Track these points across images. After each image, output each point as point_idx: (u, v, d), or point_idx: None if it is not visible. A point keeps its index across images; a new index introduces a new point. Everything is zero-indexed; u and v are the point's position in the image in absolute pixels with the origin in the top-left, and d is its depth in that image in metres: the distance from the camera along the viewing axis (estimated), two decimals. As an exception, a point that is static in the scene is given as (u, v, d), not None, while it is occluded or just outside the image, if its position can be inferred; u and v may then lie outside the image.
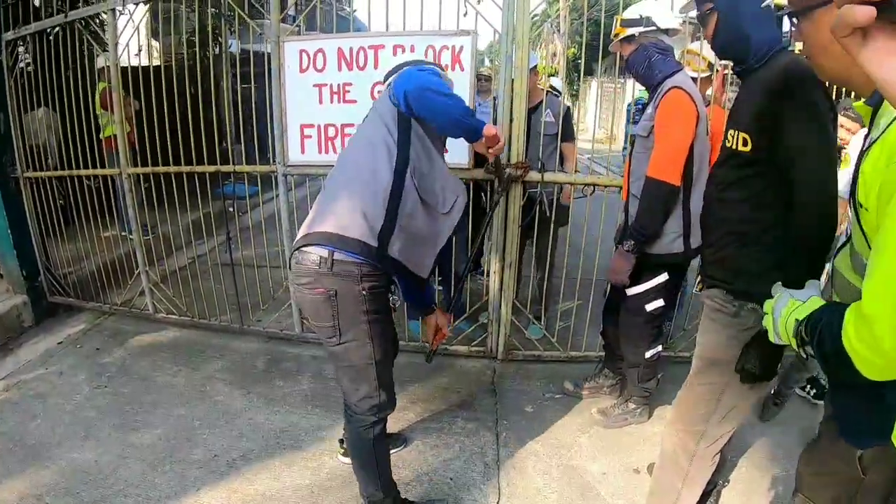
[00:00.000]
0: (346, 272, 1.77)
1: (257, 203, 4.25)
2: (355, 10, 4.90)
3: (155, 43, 5.01)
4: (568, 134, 3.54)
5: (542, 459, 2.65)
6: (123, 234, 4.38)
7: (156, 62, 4.32)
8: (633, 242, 2.41)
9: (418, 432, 2.81)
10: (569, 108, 3.65)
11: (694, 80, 3.00)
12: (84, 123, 3.67)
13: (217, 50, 4.81)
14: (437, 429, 2.83)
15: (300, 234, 1.86)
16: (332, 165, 2.73)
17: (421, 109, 1.79)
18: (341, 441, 2.60)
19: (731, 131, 1.69)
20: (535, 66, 3.41)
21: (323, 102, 3.10)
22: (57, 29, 3.56)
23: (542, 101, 3.36)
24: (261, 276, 3.71)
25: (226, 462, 2.61)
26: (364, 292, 1.81)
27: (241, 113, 3.40)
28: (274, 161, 3.27)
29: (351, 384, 1.97)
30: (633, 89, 3.45)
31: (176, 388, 3.21)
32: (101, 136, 4.19)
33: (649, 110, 2.45)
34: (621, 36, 2.52)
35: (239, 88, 3.63)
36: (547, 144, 3.40)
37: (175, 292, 3.93)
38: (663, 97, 2.33)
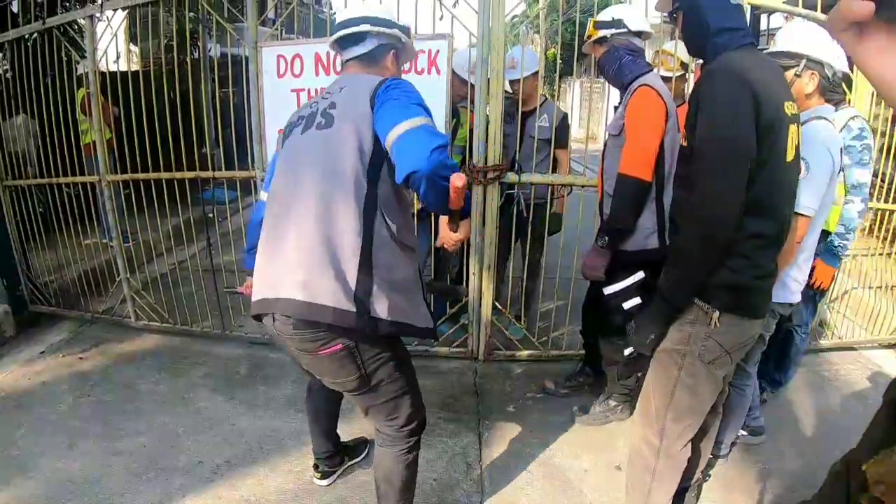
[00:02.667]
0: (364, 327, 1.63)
1: (238, 208, 4.24)
2: (334, 13, 4.91)
3: (134, 48, 4.99)
4: (562, 140, 3.54)
5: (525, 458, 2.69)
6: (104, 241, 4.36)
7: (134, 67, 4.30)
8: (606, 238, 2.43)
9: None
10: (565, 114, 3.66)
11: (668, 79, 3.07)
12: (64, 130, 3.65)
13: (196, 54, 4.81)
14: (361, 459, 2.75)
15: (264, 293, 1.67)
16: None
17: (428, 196, 1.53)
18: (316, 465, 2.51)
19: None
20: (537, 71, 3.41)
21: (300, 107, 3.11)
22: (35, 35, 3.54)
23: (537, 106, 3.39)
24: (242, 281, 3.69)
25: (210, 468, 2.62)
26: (383, 335, 1.69)
27: (219, 117, 3.40)
28: (253, 166, 3.27)
29: (387, 417, 1.89)
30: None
31: (159, 395, 3.21)
32: (81, 142, 4.16)
33: (620, 109, 2.49)
34: (594, 38, 2.56)
35: (218, 93, 3.63)
36: (540, 149, 3.39)
37: (156, 299, 3.93)
38: (632, 95, 2.37)
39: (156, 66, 3.95)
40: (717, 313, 1.69)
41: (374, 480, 2.04)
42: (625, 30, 2.49)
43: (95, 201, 3.96)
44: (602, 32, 2.51)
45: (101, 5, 3.26)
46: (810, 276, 2.62)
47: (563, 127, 3.50)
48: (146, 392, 3.24)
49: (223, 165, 3.44)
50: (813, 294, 2.79)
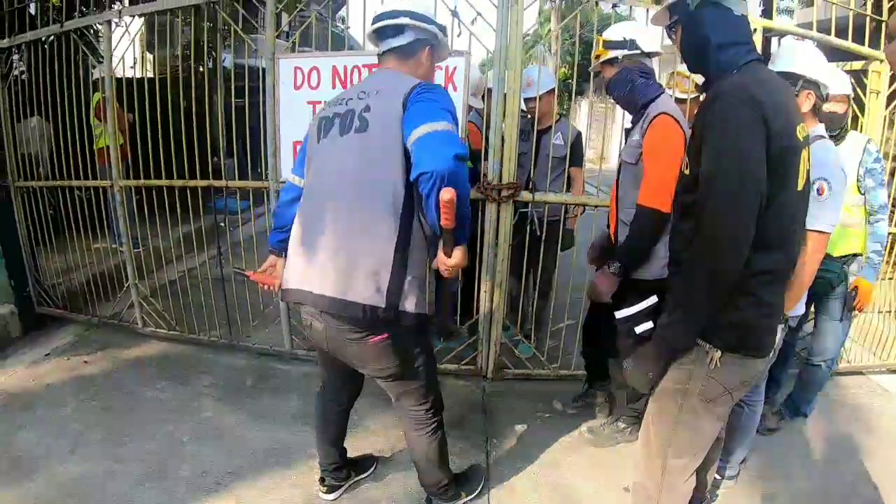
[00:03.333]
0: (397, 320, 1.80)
1: (249, 217, 4.24)
2: (348, 27, 4.94)
3: (149, 55, 5.03)
4: (577, 158, 3.53)
5: (533, 478, 2.67)
6: (114, 246, 4.36)
7: (149, 74, 4.33)
8: (619, 265, 2.38)
9: (408, 452, 2.80)
10: (580, 133, 3.67)
11: (682, 101, 3.08)
12: (77, 134, 3.67)
13: (211, 64, 4.83)
14: (368, 475, 2.74)
15: (311, 287, 1.80)
16: None
17: (430, 199, 1.64)
18: (322, 479, 2.49)
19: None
20: (553, 89, 3.41)
21: (317, 120, 3.12)
22: (52, 38, 3.56)
23: (552, 124, 3.40)
24: (251, 291, 3.70)
25: (214, 480, 2.59)
26: (415, 329, 1.87)
27: (234, 127, 3.40)
28: (266, 177, 3.28)
29: (415, 401, 2.09)
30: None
31: (164, 403, 3.19)
32: (94, 146, 4.17)
33: (636, 137, 2.40)
34: (603, 58, 2.48)
35: (233, 103, 3.65)
36: (555, 167, 3.38)
37: (164, 306, 3.91)
38: (651, 124, 2.29)
39: (171, 74, 3.96)
40: (718, 353, 1.60)
41: (413, 462, 2.31)
42: (637, 51, 2.42)
43: (106, 206, 3.96)
44: (613, 53, 2.44)
45: (120, 11, 3.29)
46: (853, 299, 2.66)
47: (577, 145, 3.51)
48: (151, 399, 3.22)
49: (236, 175, 3.45)
50: (844, 327, 2.80)
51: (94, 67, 3.75)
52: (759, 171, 1.44)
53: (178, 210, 3.53)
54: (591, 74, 2.88)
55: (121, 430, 2.92)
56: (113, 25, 3.34)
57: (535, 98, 3.24)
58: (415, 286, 1.79)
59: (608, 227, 2.67)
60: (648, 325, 2.49)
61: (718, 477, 2.53)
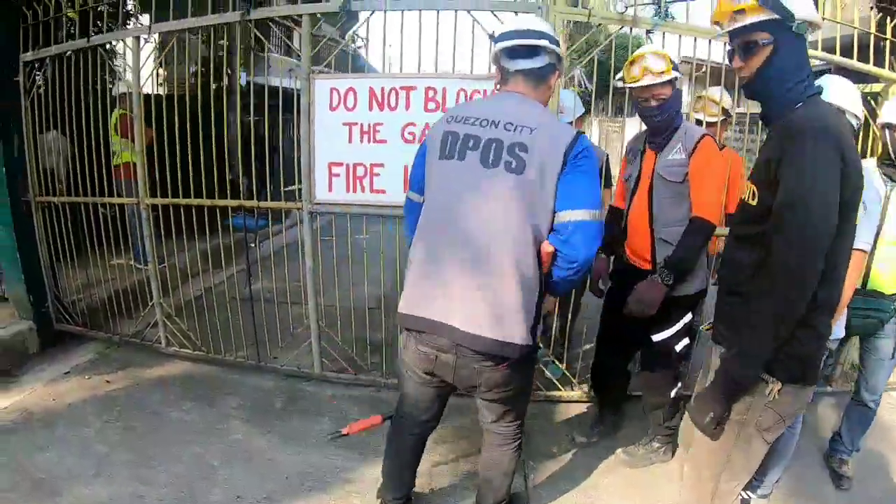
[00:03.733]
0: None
1: (273, 235, 4.21)
2: (361, 46, 4.90)
3: (162, 72, 4.99)
4: (606, 180, 3.54)
5: (573, 500, 2.66)
6: (132, 263, 4.32)
7: (163, 91, 4.32)
8: (671, 276, 2.45)
9: (447, 475, 2.79)
10: (607, 154, 3.70)
11: (711, 124, 3.19)
12: (95, 149, 3.63)
13: (229, 81, 4.80)
14: (466, 472, 2.80)
15: (449, 320, 1.80)
16: (361, 204, 3.03)
17: (563, 276, 1.80)
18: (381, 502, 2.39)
19: (748, 182, 1.65)
20: (583, 114, 3.43)
21: (353, 141, 3.11)
22: (69, 53, 3.52)
23: None
24: (279, 311, 3.68)
25: (248, 504, 2.54)
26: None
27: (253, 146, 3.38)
28: (299, 198, 3.26)
29: (513, 420, 2.12)
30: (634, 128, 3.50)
31: (190, 424, 3.14)
32: (113, 162, 4.14)
33: (679, 156, 2.50)
34: (667, 77, 2.46)
35: (251, 121, 3.64)
36: None
37: (188, 325, 3.86)
38: (698, 145, 2.46)
39: (190, 91, 3.94)
40: (778, 385, 1.59)
41: (483, 471, 2.27)
42: (680, 75, 2.53)
43: (124, 223, 3.92)
44: (674, 73, 2.47)
45: (150, 27, 3.26)
46: None
47: (605, 167, 3.54)
48: (176, 420, 3.17)
49: (255, 194, 3.42)
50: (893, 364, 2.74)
51: (111, 83, 3.72)
52: (835, 208, 1.45)
53: (195, 227, 3.51)
54: (610, 94, 2.92)
55: (147, 452, 2.86)
56: (142, 41, 3.31)
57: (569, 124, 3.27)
58: (538, 322, 1.89)
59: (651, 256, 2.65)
60: (686, 341, 2.67)
61: (752, 495, 2.54)
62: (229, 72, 3.67)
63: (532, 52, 1.84)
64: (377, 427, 2.94)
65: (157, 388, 3.50)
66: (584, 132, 1.90)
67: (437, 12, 2.95)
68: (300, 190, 3.23)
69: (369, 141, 3.10)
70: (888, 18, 3.16)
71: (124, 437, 2.98)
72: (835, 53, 3.11)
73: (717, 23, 1.64)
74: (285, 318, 3.71)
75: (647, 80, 2.45)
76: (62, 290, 4.02)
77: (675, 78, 2.47)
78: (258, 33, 3.13)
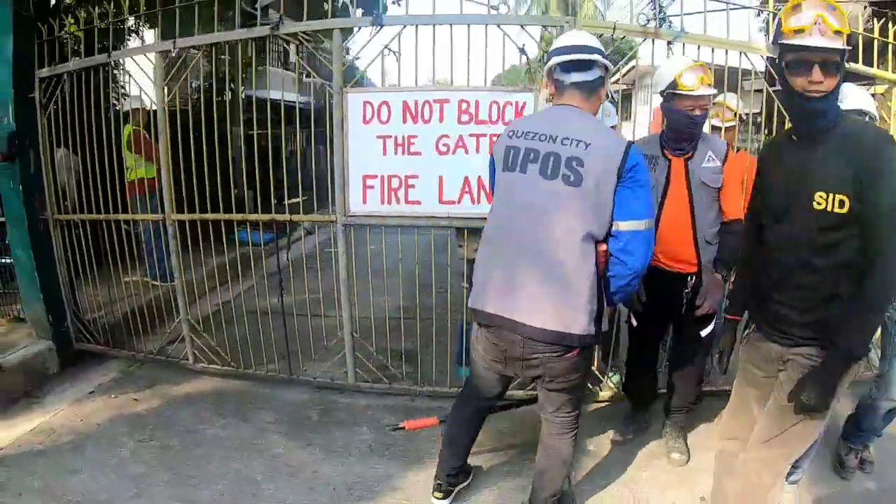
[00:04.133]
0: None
1: (280, 248, 4.20)
2: (357, 58, 4.94)
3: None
4: None
5: (615, 496, 2.73)
6: (146, 279, 4.27)
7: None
8: (727, 272, 2.69)
9: (493, 476, 2.84)
10: None
11: (728, 129, 3.38)
12: (106, 165, 3.60)
13: (233, 96, 4.77)
14: (511, 471, 2.86)
15: (515, 316, 2.01)
16: (396, 216, 3.11)
17: (618, 279, 1.97)
18: (439, 485, 2.59)
19: (821, 193, 1.69)
20: (615, 126, 3.52)
21: (387, 153, 3.15)
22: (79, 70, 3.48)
23: None
24: (301, 323, 3.68)
25: (300, 518, 2.55)
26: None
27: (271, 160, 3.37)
28: (334, 211, 3.28)
29: (570, 407, 2.24)
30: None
31: (227, 440, 3.12)
32: (126, 179, 4.09)
33: (715, 164, 2.66)
34: (714, 90, 2.60)
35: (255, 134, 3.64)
36: None
37: (217, 341, 3.81)
38: (729, 153, 2.70)
39: (194, 106, 3.93)
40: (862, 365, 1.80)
41: (540, 461, 2.38)
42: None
43: (138, 239, 3.87)
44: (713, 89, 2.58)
45: (175, 42, 3.24)
46: None
47: None
48: (212, 437, 3.14)
49: (300, 209, 3.42)
50: None
51: (116, 100, 3.68)
52: None
53: (205, 243, 3.51)
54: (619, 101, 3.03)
55: (186, 471, 2.84)
56: (167, 56, 3.29)
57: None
58: (603, 312, 2.04)
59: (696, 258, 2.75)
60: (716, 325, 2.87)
61: (785, 482, 2.64)
62: (232, 87, 3.65)
63: (586, 65, 1.99)
64: (432, 427, 2.98)
65: (187, 405, 3.46)
66: (634, 143, 2.03)
67: (468, 26, 3.01)
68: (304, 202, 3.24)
69: (404, 153, 3.14)
70: (889, 22, 3.30)
71: (161, 457, 2.95)
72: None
73: (799, 31, 1.66)
74: (308, 329, 3.72)
75: (702, 91, 2.52)
76: (81, 309, 3.95)
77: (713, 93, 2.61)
78: (286, 46, 3.14)
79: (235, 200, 3.44)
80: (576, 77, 2.00)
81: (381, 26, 3.02)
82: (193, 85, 4.29)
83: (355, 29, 3.12)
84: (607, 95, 2.54)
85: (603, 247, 1.94)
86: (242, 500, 2.65)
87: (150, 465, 2.88)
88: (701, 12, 3.09)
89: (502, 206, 2.09)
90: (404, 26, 3.05)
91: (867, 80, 3.47)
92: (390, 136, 3.13)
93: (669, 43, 3.06)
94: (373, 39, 3.06)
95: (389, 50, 3.05)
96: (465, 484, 2.70)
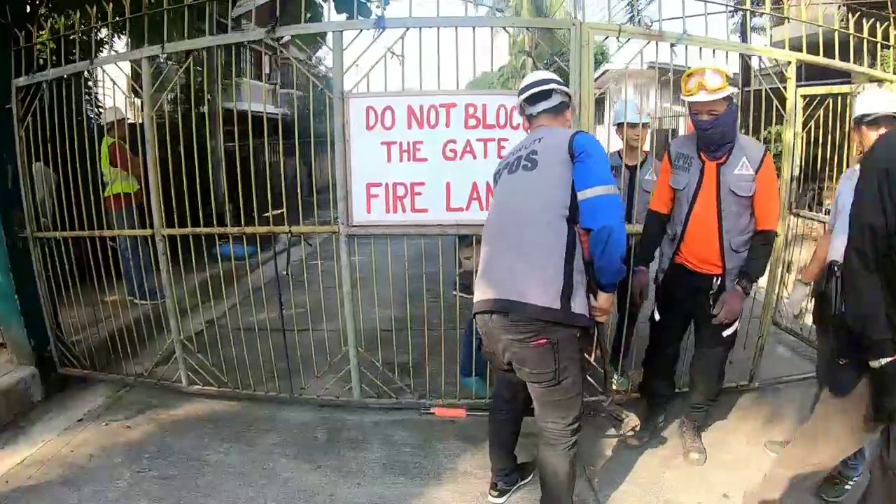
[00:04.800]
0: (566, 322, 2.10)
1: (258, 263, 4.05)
2: (322, 62, 4.80)
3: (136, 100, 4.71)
4: None
5: (639, 497, 2.71)
6: (129, 298, 4.06)
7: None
8: (750, 285, 2.64)
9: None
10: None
11: None
12: (89, 179, 3.41)
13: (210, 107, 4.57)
14: (529, 481, 2.78)
15: (487, 295, 2.17)
16: (401, 225, 3.06)
17: (599, 248, 2.05)
18: (494, 484, 2.67)
19: None
20: (647, 123, 3.48)
21: (391, 160, 3.04)
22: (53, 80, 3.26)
23: (645, 160, 3.45)
24: (296, 339, 3.55)
25: (321, 545, 2.44)
26: (576, 335, 2.16)
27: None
28: (336, 221, 3.15)
29: (559, 414, 2.25)
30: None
31: (233, 466, 2.96)
32: (103, 193, 3.88)
33: (748, 171, 2.58)
34: (722, 94, 2.49)
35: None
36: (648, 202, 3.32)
37: (201, 361, 3.63)
38: (764, 161, 2.58)
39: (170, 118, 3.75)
40: None
41: (539, 479, 2.41)
42: (736, 90, 2.58)
43: (115, 257, 3.67)
44: (730, 89, 2.50)
45: (164, 46, 3.05)
46: None
47: None
48: (216, 463, 2.98)
49: (242, 221, 3.30)
50: None
51: (97, 111, 3.48)
52: None
53: (192, 258, 3.38)
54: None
55: (194, 502, 2.67)
56: (155, 62, 3.11)
57: (635, 126, 3.40)
58: (578, 291, 2.11)
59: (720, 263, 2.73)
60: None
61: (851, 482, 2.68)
62: (209, 98, 3.48)
63: (547, 94, 2.33)
64: (461, 419, 3.09)
65: (184, 430, 3.29)
66: (581, 131, 2.32)
67: (474, 28, 2.93)
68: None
69: (409, 160, 3.04)
70: (863, 18, 3.34)
71: (165, 488, 2.77)
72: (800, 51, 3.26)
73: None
74: (304, 345, 3.60)
75: (700, 97, 2.50)
76: (64, 332, 3.72)
77: (732, 94, 2.51)
78: (284, 52, 2.99)
79: (220, 214, 3.29)
80: (542, 106, 2.34)
81: (384, 29, 2.91)
82: (170, 97, 4.05)
83: (345, 33, 2.94)
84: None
85: (577, 227, 2.11)
86: (257, 530, 2.52)
87: (152, 496, 2.71)
88: (701, 14, 3.09)
89: (490, 211, 2.39)
90: (407, 29, 2.94)
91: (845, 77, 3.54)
92: (395, 143, 3.03)
93: (673, 45, 3.04)
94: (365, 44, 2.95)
95: (392, 53, 2.92)
96: (524, 482, 2.75)
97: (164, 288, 3.42)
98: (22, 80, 3.28)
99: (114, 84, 3.23)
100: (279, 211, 3.59)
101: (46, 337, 3.61)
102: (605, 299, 2.22)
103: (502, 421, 2.61)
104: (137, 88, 3.37)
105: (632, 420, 2.96)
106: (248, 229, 3.23)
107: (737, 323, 2.77)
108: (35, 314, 3.54)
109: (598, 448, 3.09)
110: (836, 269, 2.45)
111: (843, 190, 2.69)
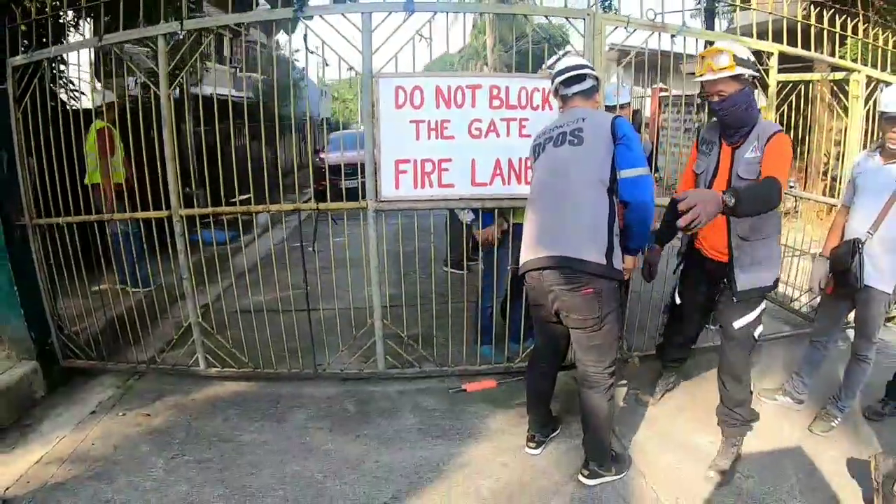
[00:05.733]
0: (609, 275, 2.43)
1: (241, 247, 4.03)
2: (281, 51, 4.85)
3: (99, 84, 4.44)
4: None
5: (657, 441, 2.98)
6: (121, 287, 3.88)
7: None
8: (734, 200, 2.07)
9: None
10: (652, 143, 4.05)
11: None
12: (73, 167, 3.28)
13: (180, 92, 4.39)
14: (557, 436, 3.00)
15: (541, 254, 2.47)
16: (429, 199, 3.23)
17: (635, 218, 2.44)
18: (532, 436, 2.90)
19: None
20: (629, 103, 3.73)
21: (420, 138, 3.16)
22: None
23: None
24: (305, 318, 3.59)
25: (381, 506, 2.51)
26: (616, 287, 2.49)
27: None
28: (364, 197, 3.22)
29: (599, 358, 2.54)
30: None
31: (270, 444, 2.97)
32: (89, 180, 3.68)
33: (755, 154, 2.50)
34: (730, 73, 2.44)
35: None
36: None
37: (218, 343, 3.57)
38: (771, 139, 2.45)
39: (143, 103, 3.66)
40: None
41: (583, 421, 2.66)
42: (756, 73, 2.57)
43: (105, 244, 3.52)
44: (739, 70, 2.44)
45: (182, 24, 2.99)
46: None
47: (650, 158, 3.84)
48: (252, 443, 2.98)
49: (209, 203, 3.34)
50: None
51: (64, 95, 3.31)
52: None
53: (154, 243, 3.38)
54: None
55: (239, 482, 2.68)
56: (170, 40, 3.03)
57: (613, 108, 3.54)
58: (617, 248, 2.45)
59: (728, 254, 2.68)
60: (762, 327, 2.76)
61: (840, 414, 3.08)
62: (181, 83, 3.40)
63: (581, 78, 2.59)
64: (493, 390, 3.25)
65: (209, 413, 3.24)
66: (619, 116, 2.56)
67: (490, 16, 3.11)
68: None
69: (437, 137, 3.17)
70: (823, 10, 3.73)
71: (204, 472, 2.74)
72: (765, 38, 3.59)
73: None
74: (314, 323, 3.64)
75: (707, 76, 2.50)
76: (64, 322, 3.52)
77: (741, 75, 2.45)
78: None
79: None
80: (576, 88, 2.59)
81: (412, 12, 3.02)
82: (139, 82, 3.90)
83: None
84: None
85: (615, 198, 2.43)
86: (311, 500, 2.56)
87: (194, 482, 2.68)
88: (696, 9, 3.45)
89: (535, 180, 2.65)
90: (434, 13, 3.07)
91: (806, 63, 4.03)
92: (423, 121, 3.15)
93: (673, 36, 3.32)
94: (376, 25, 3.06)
95: (420, 36, 3.05)
96: (555, 434, 3.01)
97: (182, 270, 3.31)
98: (19, 59, 3.08)
99: (127, 62, 3.11)
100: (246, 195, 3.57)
101: (47, 329, 3.41)
102: (631, 261, 2.64)
103: (541, 374, 2.86)
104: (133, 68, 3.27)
105: (635, 361, 3.60)
106: (273, 207, 3.22)
107: (752, 314, 2.65)
108: (35, 305, 3.33)
109: (617, 402, 3.33)
110: (859, 245, 2.83)
111: (863, 170, 2.96)
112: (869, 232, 2.81)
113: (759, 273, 2.62)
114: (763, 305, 2.71)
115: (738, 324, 2.67)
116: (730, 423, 2.79)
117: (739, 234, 2.60)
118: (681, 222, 2.00)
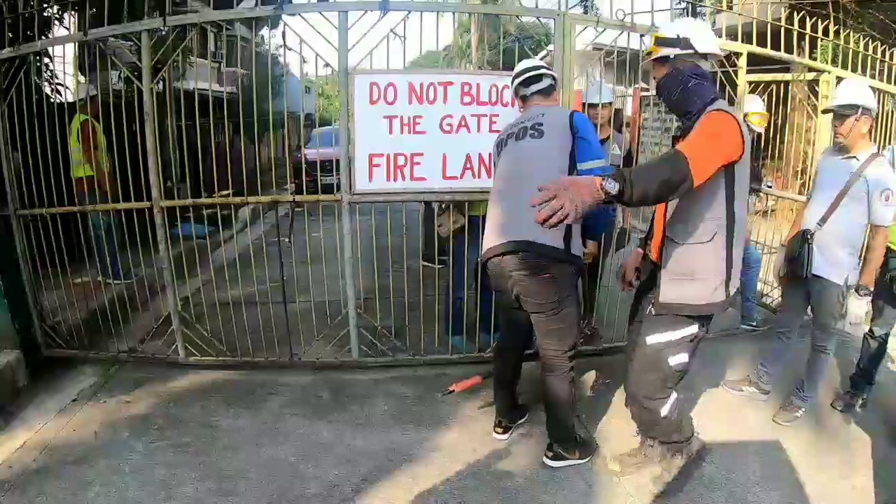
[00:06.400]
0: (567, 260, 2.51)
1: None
2: (261, 44, 4.96)
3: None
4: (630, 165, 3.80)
5: (621, 427, 3.02)
6: (100, 279, 3.96)
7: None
8: (614, 184, 1.75)
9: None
10: (632, 143, 4.12)
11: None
12: (58, 160, 3.35)
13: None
14: (525, 423, 3.10)
15: (501, 240, 2.54)
16: (401, 192, 3.34)
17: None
18: (499, 422, 3.00)
19: None
20: (611, 102, 3.83)
21: (393, 133, 3.27)
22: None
23: (609, 136, 3.77)
24: (281, 310, 3.69)
25: (351, 489, 2.60)
26: (573, 272, 2.58)
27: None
28: (338, 190, 3.32)
29: (560, 342, 2.63)
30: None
31: (246, 429, 3.06)
32: (74, 174, 3.75)
33: None
34: (654, 56, 2.29)
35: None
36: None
37: (197, 333, 3.67)
38: (702, 117, 2.09)
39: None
40: None
41: (543, 402, 2.78)
42: (691, 51, 2.21)
43: (87, 236, 3.60)
44: (664, 51, 2.25)
45: (165, 20, 3.08)
46: None
47: (628, 155, 3.89)
48: (229, 429, 3.07)
49: (189, 194, 3.43)
50: None
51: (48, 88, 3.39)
52: None
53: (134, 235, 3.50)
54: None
55: (215, 465, 2.76)
56: (155, 34, 3.11)
57: (595, 106, 3.69)
58: (577, 238, 2.55)
59: (643, 246, 2.64)
60: (684, 358, 2.30)
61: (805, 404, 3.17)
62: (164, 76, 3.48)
63: (538, 78, 2.71)
64: (479, 385, 3.23)
65: (188, 400, 3.33)
66: (576, 111, 2.79)
67: (469, 15, 3.21)
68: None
69: (410, 132, 3.28)
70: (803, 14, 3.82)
71: (181, 456, 2.83)
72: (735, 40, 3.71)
73: None
74: (290, 314, 3.74)
75: (645, 62, 2.41)
76: (46, 313, 3.60)
77: (667, 57, 2.25)
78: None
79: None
80: (535, 87, 2.72)
81: (388, 11, 3.12)
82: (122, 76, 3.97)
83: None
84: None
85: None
86: (285, 482, 2.64)
87: (171, 465, 2.76)
88: (667, 9, 3.54)
89: (497, 173, 2.76)
90: (409, 12, 3.17)
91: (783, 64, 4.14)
92: (396, 117, 3.26)
93: (642, 35, 3.42)
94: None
95: (395, 34, 3.14)
96: (521, 420, 3.10)
97: (162, 262, 3.40)
98: (6, 52, 3.15)
99: (112, 57, 3.19)
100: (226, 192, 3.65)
101: (30, 319, 3.48)
102: (592, 245, 2.93)
103: (506, 361, 2.95)
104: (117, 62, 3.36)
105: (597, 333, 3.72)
106: (252, 199, 3.32)
107: (663, 335, 2.30)
108: (18, 296, 3.40)
109: (582, 391, 3.44)
110: (808, 236, 2.95)
111: (822, 165, 3.13)
112: (818, 224, 2.93)
113: (687, 286, 2.21)
114: (692, 331, 2.26)
115: (650, 339, 2.32)
116: (647, 442, 2.63)
117: (668, 234, 2.26)
118: (537, 217, 1.70)
